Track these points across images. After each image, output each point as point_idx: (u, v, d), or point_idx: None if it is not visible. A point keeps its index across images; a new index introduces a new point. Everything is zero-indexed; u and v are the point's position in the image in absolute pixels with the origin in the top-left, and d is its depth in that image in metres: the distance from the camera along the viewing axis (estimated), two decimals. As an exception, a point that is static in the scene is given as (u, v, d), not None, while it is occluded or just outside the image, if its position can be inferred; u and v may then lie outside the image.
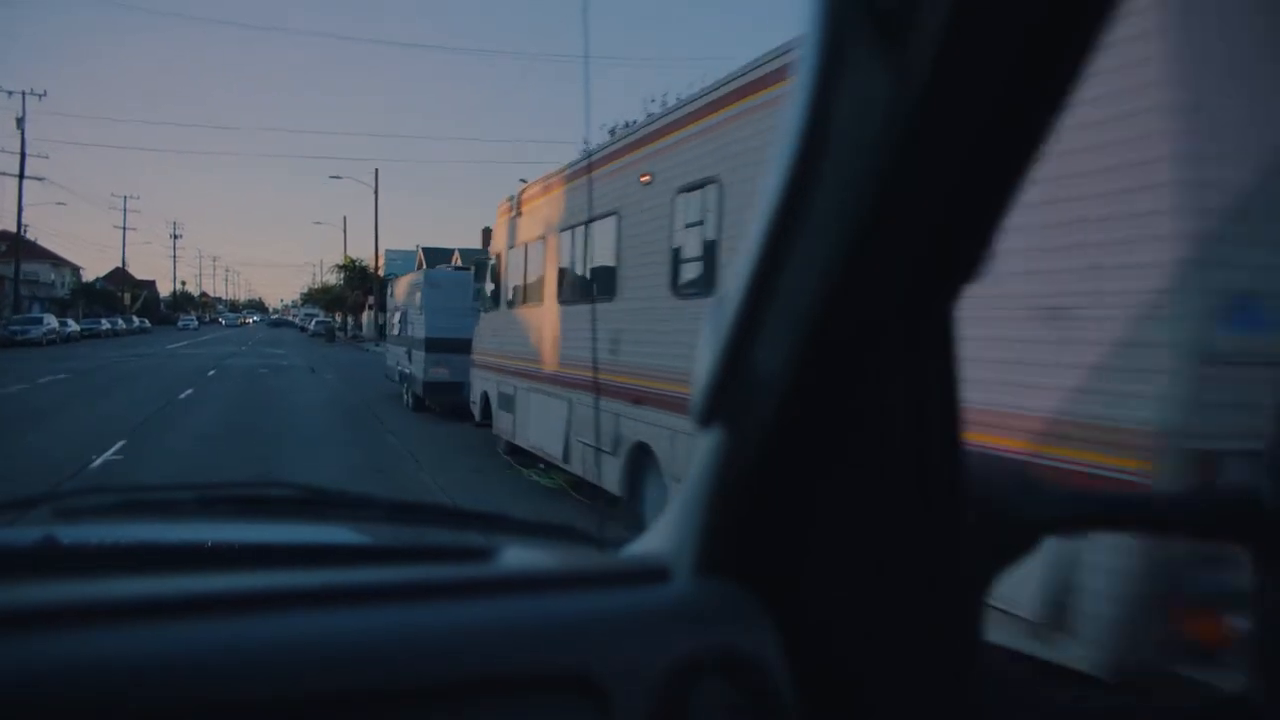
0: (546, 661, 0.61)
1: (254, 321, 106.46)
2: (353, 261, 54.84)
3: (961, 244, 0.56)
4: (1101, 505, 0.69)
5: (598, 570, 0.77)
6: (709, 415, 0.66)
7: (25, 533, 0.80)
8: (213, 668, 0.53)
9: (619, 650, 0.63)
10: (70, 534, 0.78)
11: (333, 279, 59.78)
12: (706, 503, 0.69)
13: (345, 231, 63.47)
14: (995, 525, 0.65)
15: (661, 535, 0.76)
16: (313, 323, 64.36)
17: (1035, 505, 0.67)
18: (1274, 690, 0.65)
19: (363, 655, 0.57)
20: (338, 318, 63.19)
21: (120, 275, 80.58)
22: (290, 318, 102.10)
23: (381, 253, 54.58)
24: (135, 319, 64.55)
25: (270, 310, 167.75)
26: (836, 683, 0.66)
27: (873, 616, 0.65)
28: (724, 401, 0.65)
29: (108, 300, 67.26)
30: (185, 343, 45.18)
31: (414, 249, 54.99)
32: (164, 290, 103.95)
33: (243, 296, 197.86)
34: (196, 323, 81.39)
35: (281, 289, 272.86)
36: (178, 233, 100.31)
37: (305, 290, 61.72)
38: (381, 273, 48.47)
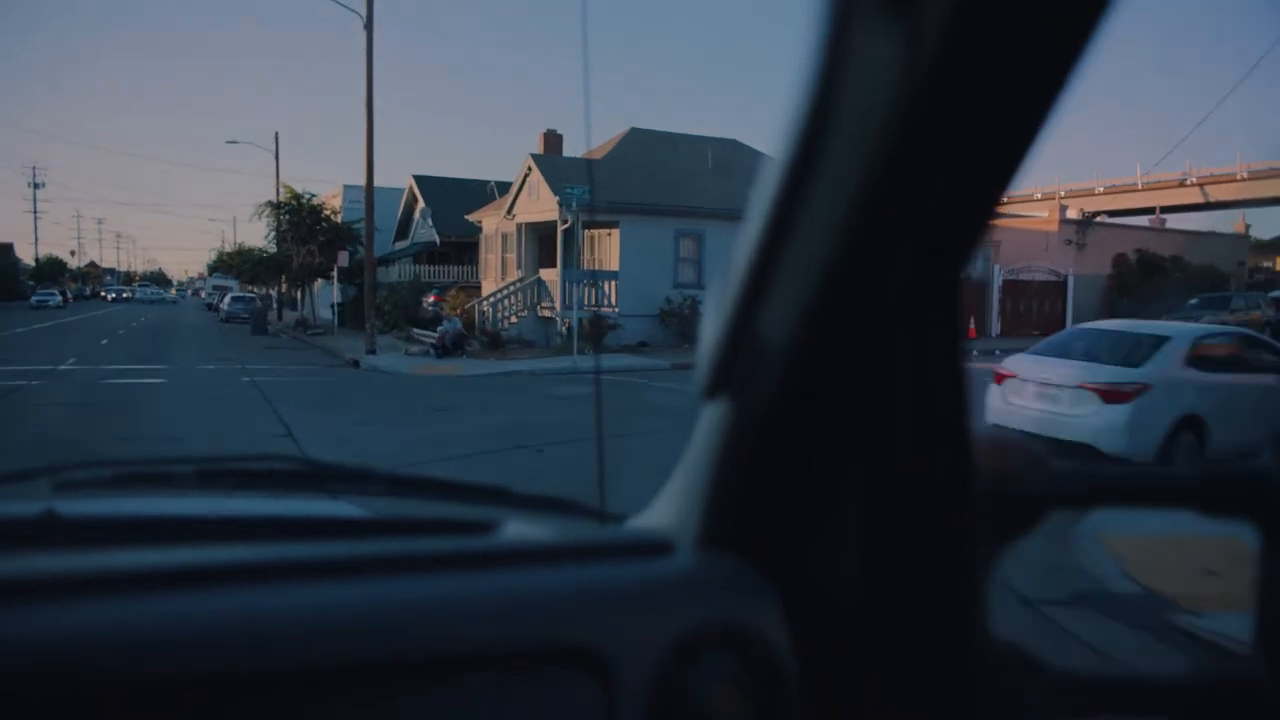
0: (548, 634, 0.62)
1: (143, 297, 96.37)
2: (297, 197, 34.19)
3: (967, 217, 0.56)
4: (1106, 480, 0.68)
5: (600, 543, 0.76)
6: (713, 387, 0.67)
7: (25, 505, 0.80)
8: (213, 639, 0.54)
9: (621, 623, 0.64)
10: (70, 507, 0.78)
11: (263, 229, 35.90)
12: (710, 476, 0.70)
13: (278, 155, 38.75)
14: (1000, 500, 0.65)
15: (664, 509, 0.76)
16: (226, 300, 43.26)
17: (1040, 480, 0.66)
18: (1276, 665, 0.65)
19: (364, 628, 0.57)
20: (273, 291, 44.11)
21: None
22: (196, 293, 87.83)
23: (337, 190, 41.72)
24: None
25: (176, 285, 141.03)
26: (839, 656, 0.66)
27: (876, 590, 0.65)
28: (728, 374, 0.66)
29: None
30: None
31: (400, 186, 38.30)
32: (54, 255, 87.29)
33: (141, 268, 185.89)
34: (60, 299, 63.00)
35: (190, 260, 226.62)
36: (38, 180, 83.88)
37: (214, 255, 43.69)
38: (340, 216, 35.72)
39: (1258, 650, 0.66)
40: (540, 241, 27.48)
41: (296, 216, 34.39)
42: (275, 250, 36.49)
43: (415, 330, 28.03)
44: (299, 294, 38.15)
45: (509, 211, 26.62)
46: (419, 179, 38.55)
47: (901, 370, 0.62)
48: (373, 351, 22.34)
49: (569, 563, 0.69)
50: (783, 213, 0.57)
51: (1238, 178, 38.82)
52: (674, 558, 0.70)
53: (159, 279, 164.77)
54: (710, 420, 0.69)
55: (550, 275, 24.56)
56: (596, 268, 24.76)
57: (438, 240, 35.49)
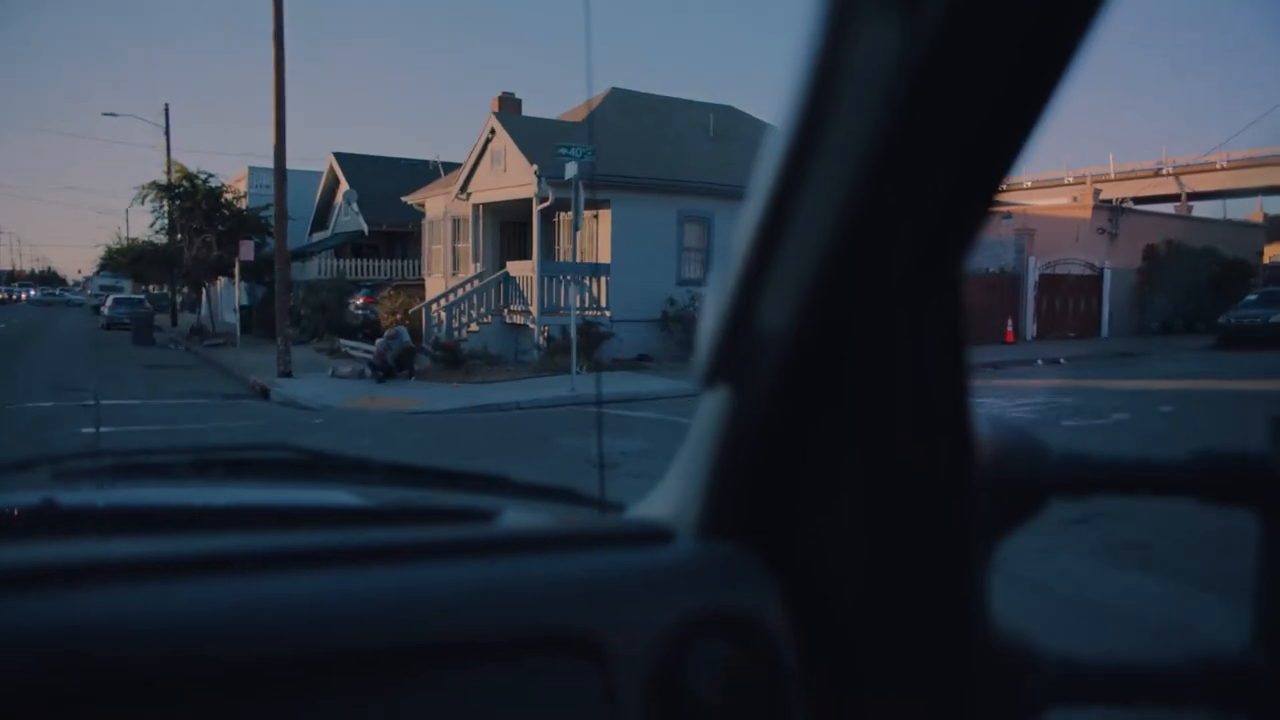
0: (547, 621, 0.61)
1: (25, 298, 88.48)
2: (190, 178, 28.19)
3: (969, 202, 0.55)
4: (1108, 468, 0.67)
5: (599, 531, 0.76)
6: (712, 374, 0.66)
7: (25, 495, 0.81)
8: (212, 628, 0.53)
9: (620, 611, 0.63)
10: (70, 496, 0.79)
11: (150, 219, 30.45)
12: (709, 464, 0.69)
13: (168, 130, 34.02)
14: (1000, 488, 0.65)
15: (664, 498, 0.76)
16: (108, 301, 37.23)
17: (1042, 467, 0.66)
18: (1277, 654, 0.65)
19: (362, 615, 0.57)
20: (173, 292, 37.35)
21: None
22: (83, 293, 77.90)
23: (241, 174, 36.40)
24: None
25: (71, 284, 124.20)
26: (838, 644, 0.66)
27: (876, 579, 0.65)
28: (728, 361, 0.65)
29: None
30: None
31: (315, 168, 32.61)
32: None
33: (28, 266, 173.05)
34: None
35: (86, 259, 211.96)
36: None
37: (105, 252, 38.73)
38: (245, 203, 30.05)
39: (1258, 639, 0.66)
40: (505, 228, 21.91)
41: (190, 201, 27.97)
42: (166, 242, 29.89)
43: (343, 341, 22.15)
44: (199, 295, 31.58)
45: (463, 190, 20.96)
46: (341, 157, 32.29)
47: (901, 357, 0.61)
48: (288, 374, 16.57)
49: (568, 550, 0.69)
50: (781, 198, 0.57)
51: (1262, 163, 35.50)
52: (673, 546, 0.70)
53: (50, 278, 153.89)
54: (709, 409, 0.69)
55: (521, 270, 19.00)
56: (579, 260, 19.40)
57: (365, 229, 29.34)
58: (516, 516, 0.88)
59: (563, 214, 20.82)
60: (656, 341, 19.14)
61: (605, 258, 19.10)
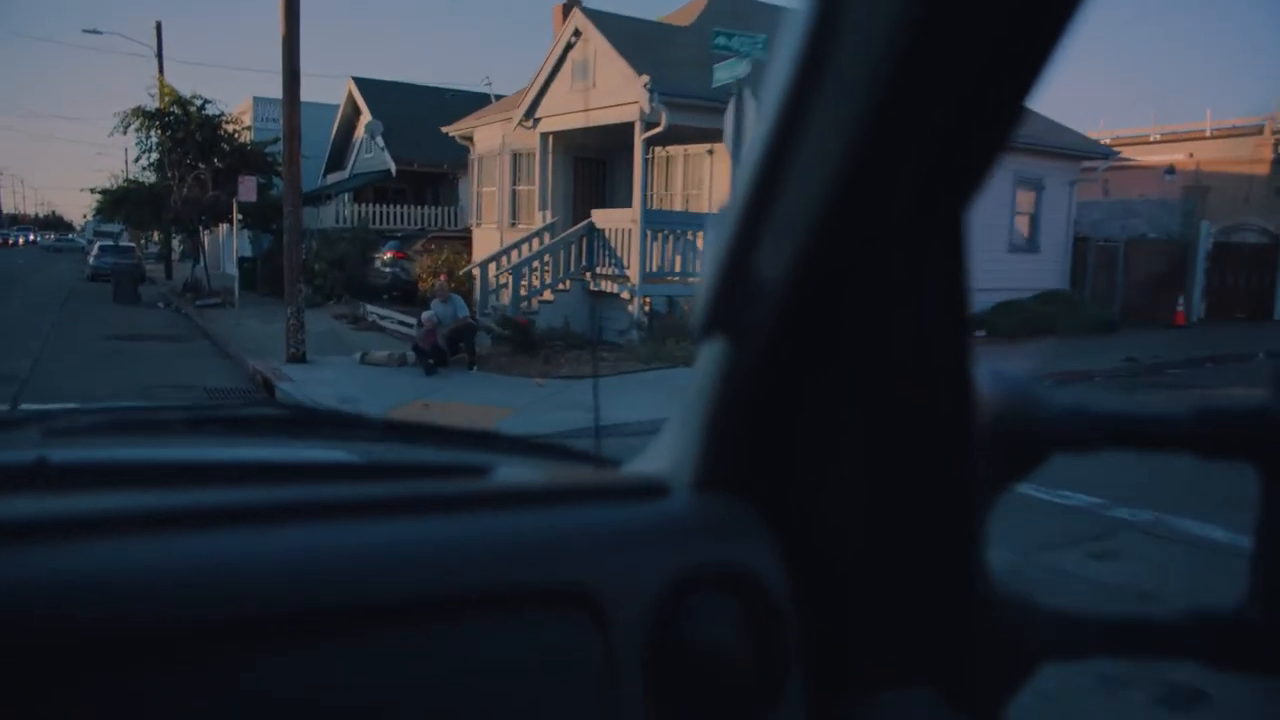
0: (541, 575, 0.61)
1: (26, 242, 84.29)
2: (181, 102, 23.18)
3: (970, 151, 0.55)
4: (1110, 420, 0.66)
5: (594, 485, 0.76)
6: (710, 325, 0.66)
7: (16, 452, 0.80)
8: (203, 582, 0.53)
9: (616, 564, 0.63)
10: (61, 453, 0.79)
11: (137, 151, 24.16)
12: (706, 416, 0.68)
13: (160, 53, 28.51)
14: (1004, 439, 0.65)
15: (661, 452, 0.76)
16: (94, 249, 33.29)
17: (1041, 420, 0.65)
18: (1272, 608, 0.65)
19: (355, 569, 0.57)
20: (171, 239, 31.79)
21: None
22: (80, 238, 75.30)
23: (245, 105, 31.36)
24: None
25: (79, 229, 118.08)
26: (837, 598, 0.66)
27: (875, 533, 0.65)
28: (725, 311, 0.64)
29: None
30: None
31: (330, 101, 27.94)
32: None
33: (34, 210, 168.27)
34: None
35: (89, 202, 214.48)
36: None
37: (100, 194, 27.81)
38: (250, 131, 25.61)
39: (1254, 593, 0.66)
40: (580, 168, 17.13)
41: (182, 130, 23.04)
42: (155, 181, 24.89)
43: (369, 308, 17.51)
44: (194, 243, 26.80)
45: (529, 115, 16.14)
46: (362, 83, 27.31)
47: (901, 307, 0.61)
48: (301, 357, 12.00)
49: (562, 505, 0.68)
50: (778, 145, 0.56)
51: None
52: (670, 499, 0.69)
53: (56, 223, 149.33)
54: (707, 360, 0.68)
55: (613, 221, 14.22)
56: (669, 208, 14.71)
57: (393, 168, 24.44)
58: (511, 472, 0.86)
59: (667, 149, 16.00)
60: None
61: (710, 207, 14.42)
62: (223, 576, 0.53)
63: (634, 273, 13.39)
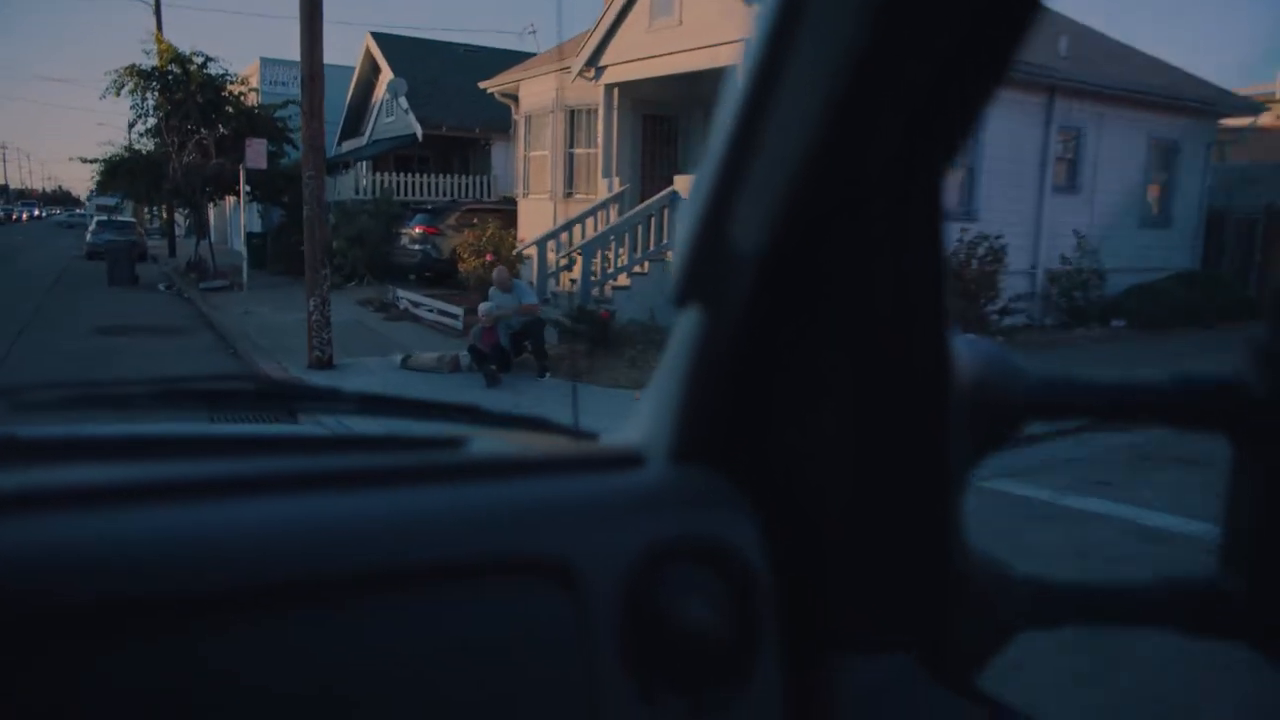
0: (514, 546, 0.61)
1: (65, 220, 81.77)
2: (180, 60, 20.64)
3: (948, 116, 0.55)
4: (1084, 391, 0.68)
5: (569, 456, 0.76)
6: (685, 293, 0.65)
7: None
8: (172, 555, 0.53)
9: (591, 535, 0.63)
10: (29, 429, 0.79)
11: (132, 119, 21.69)
12: (682, 387, 0.68)
13: (159, 6, 26.61)
14: (980, 408, 0.65)
15: (638, 424, 0.75)
16: (91, 225, 30.71)
17: (1018, 389, 0.66)
18: (1244, 577, 0.66)
19: (328, 540, 0.57)
20: (166, 214, 29.59)
21: None
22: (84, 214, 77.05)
23: (252, 68, 28.31)
24: None
25: (85, 203, 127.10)
26: (813, 567, 0.66)
27: (851, 501, 0.65)
28: (700, 278, 0.64)
29: None
30: None
31: (345, 63, 23.86)
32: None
33: (40, 185, 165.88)
34: None
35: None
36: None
37: (93, 165, 24.74)
38: (257, 95, 23.07)
39: (1225, 561, 0.66)
40: (651, 126, 14.50)
41: (182, 92, 20.44)
42: (153, 149, 22.27)
43: (400, 293, 15.03)
44: (198, 218, 23.91)
45: (591, 62, 13.54)
46: (382, 39, 24.44)
47: (879, 276, 0.60)
48: (327, 361, 9.55)
49: (536, 475, 0.68)
50: (753, 108, 0.55)
51: None
52: (645, 470, 0.69)
53: (63, 198, 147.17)
54: (683, 329, 0.67)
55: (701, 189, 11.66)
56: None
57: (419, 132, 21.83)
58: (486, 444, 0.85)
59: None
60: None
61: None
62: (189, 550, 0.53)
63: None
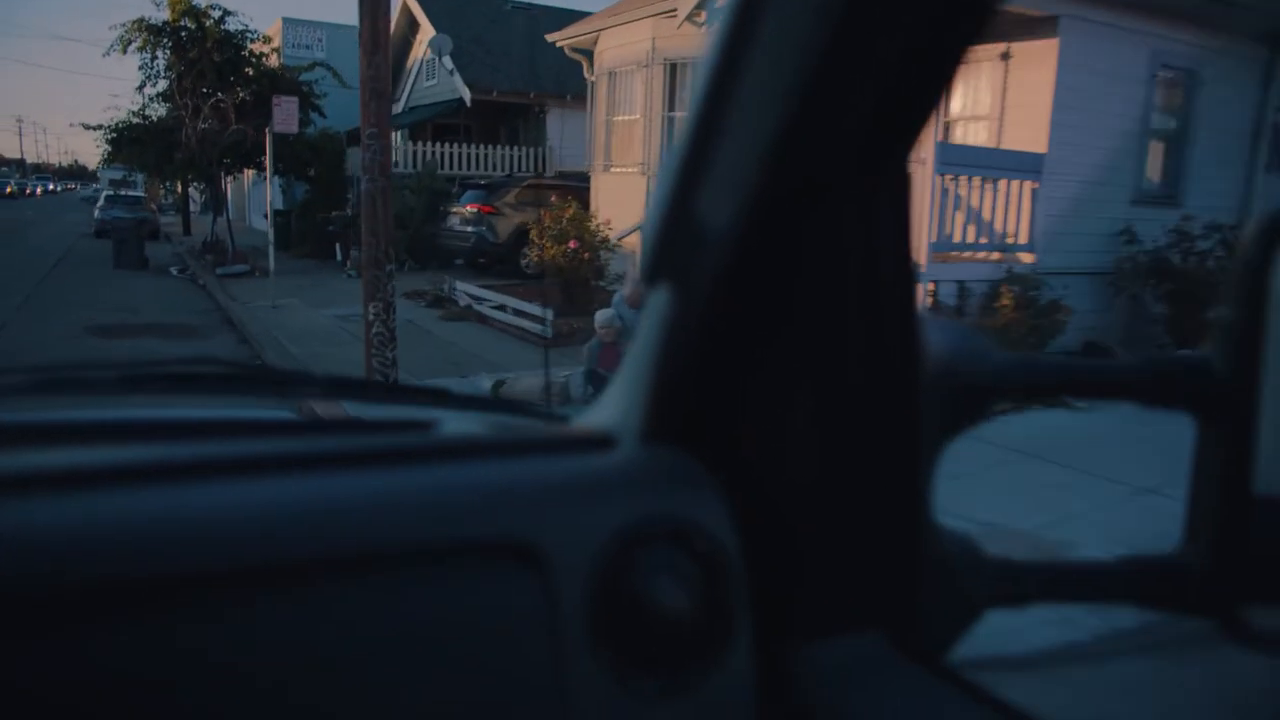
0: (482, 528, 0.60)
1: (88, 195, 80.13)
2: (194, 15, 18.01)
3: (914, 99, 0.55)
4: (1052, 371, 0.69)
5: (538, 438, 0.75)
6: (654, 273, 0.65)
7: None
8: (142, 538, 0.52)
9: (560, 517, 0.62)
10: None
11: (140, 80, 19.01)
12: (652, 366, 0.68)
13: None
14: (948, 389, 0.65)
15: (609, 405, 0.74)
16: (100, 200, 29.52)
17: (986, 370, 0.67)
18: (1206, 552, 0.67)
19: (293, 524, 0.56)
20: (180, 188, 26.86)
21: None
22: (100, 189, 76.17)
23: (275, 27, 26.70)
24: None
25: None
26: (784, 548, 0.66)
27: (822, 481, 0.65)
28: (670, 258, 0.64)
29: None
30: None
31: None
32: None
33: (57, 159, 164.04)
34: None
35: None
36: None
37: (98, 131, 20.38)
38: (279, 55, 21.15)
39: (1189, 538, 0.67)
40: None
41: (196, 50, 17.92)
42: (165, 114, 19.81)
43: (459, 286, 12.52)
44: (215, 192, 21.60)
45: (704, 4, 10.94)
46: (422, -6, 22.09)
47: (850, 255, 0.61)
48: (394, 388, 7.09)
49: (504, 457, 0.68)
50: (721, 87, 0.56)
51: None
52: (615, 452, 0.69)
53: (79, 172, 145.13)
54: (653, 309, 0.67)
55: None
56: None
57: (467, 97, 19.27)
58: (454, 426, 0.84)
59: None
60: (1100, 310, 9.57)
61: (999, 139, 9.37)
62: (153, 534, 0.53)
63: (918, 244, 8.39)
